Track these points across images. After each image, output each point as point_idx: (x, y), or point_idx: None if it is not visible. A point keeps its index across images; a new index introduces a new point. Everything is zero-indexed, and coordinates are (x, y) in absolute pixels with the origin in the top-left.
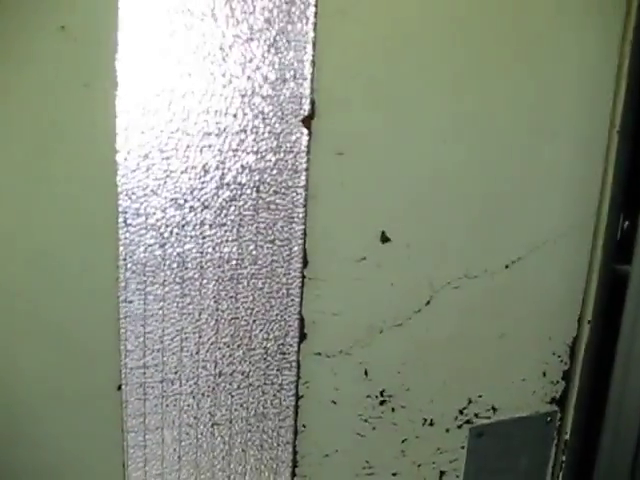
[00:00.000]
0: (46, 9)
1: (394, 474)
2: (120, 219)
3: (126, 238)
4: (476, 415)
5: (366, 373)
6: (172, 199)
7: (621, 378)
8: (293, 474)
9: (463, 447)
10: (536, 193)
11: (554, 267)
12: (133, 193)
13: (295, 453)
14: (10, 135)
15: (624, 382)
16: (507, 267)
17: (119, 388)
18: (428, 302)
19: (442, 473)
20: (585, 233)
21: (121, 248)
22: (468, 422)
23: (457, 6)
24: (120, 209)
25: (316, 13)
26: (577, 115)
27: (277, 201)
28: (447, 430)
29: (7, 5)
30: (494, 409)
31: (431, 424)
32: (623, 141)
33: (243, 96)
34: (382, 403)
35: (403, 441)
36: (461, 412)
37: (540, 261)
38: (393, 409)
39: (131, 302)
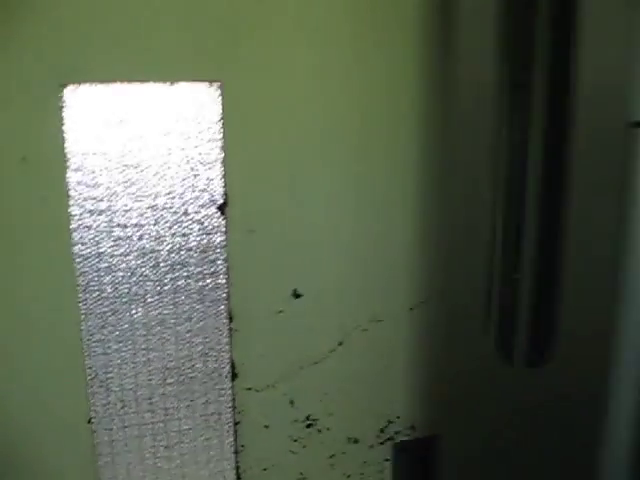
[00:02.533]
0: (9, 143)
1: None
2: (80, 295)
3: (86, 308)
4: (397, 433)
5: (292, 402)
6: (119, 276)
7: None
8: None
9: (388, 460)
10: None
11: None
12: (88, 274)
13: (238, 468)
14: None
15: None
16: (411, 309)
17: (89, 421)
18: (341, 343)
19: None
20: None
21: (82, 315)
22: (390, 439)
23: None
24: (79, 288)
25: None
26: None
27: (204, 272)
28: (371, 446)
29: None
30: (413, 428)
31: (355, 442)
32: None
33: (171, 197)
34: (309, 426)
35: (331, 456)
36: (382, 431)
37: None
38: (319, 430)
39: (95, 355)
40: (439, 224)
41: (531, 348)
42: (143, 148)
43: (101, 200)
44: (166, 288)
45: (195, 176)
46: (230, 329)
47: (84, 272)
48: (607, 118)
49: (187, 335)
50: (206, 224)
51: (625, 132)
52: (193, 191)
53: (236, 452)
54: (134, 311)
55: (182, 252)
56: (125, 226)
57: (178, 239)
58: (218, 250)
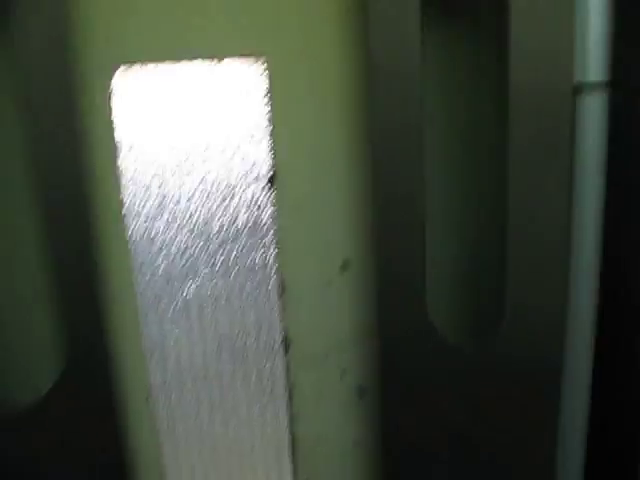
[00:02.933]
0: None
1: None
2: (135, 274)
3: (140, 286)
4: None
5: (344, 372)
6: (171, 255)
7: None
8: (292, 453)
9: None
10: None
11: None
12: (143, 252)
13: (292, 437)
14: None
15: None
16: None
17: (148, 397)
18: None
19: None
20: None
21: (138, 295)
22: None
23: None
24: (135, 266)
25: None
26: None
27: (254, 247)
28: None
29: None
30: None
31: None
32: None
33: (220, 174)
34: (360, 396)
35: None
36: None
37: None
38: (369, 400)
39: (151, 333)
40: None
41: (476, 322)
42: (191, 126)
43: (151, 180)
44: (217, 265)
45: (243, 152)
46: (281, 302)
47: (137, 253)
48: (547, 86)
49: (240, 310)
50: (255, 199)
51: (568, 99)
52: (241, 167)
53: (290, 422)
54: (187, 289)
55: (232, 228)
56: (176, 204)
57: (228, 216)
58: (267, 225)
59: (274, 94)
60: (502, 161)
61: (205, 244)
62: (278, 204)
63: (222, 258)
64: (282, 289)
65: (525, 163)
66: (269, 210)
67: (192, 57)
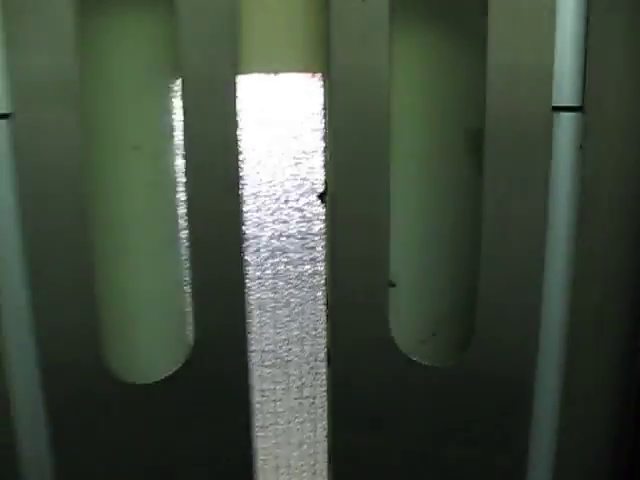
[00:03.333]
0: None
1: None
2: (185, 278)
3: (191, 290)
4: None
5: None
6: None
7: None
8: (329, 468)
9: None
10: None
11: None
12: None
13: (329, 452)
14: None
15: None
16: None
17: None
18: (434, 334)
19: None
20: None
21: (188, 297)
22: None
23: None
24: (185, 271)
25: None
26: None
27: (303, 258)
28: None
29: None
30: None
31: None
32: None
33: (273, 184)
34: None
35: None
36: None
37: None
38: None
39: None
40: None
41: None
42: (247, 136)
43: None
44: (266, 273)
45: (296, 165)
46: (327, 315)
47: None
48: (524, 105)
49: (285, 320)
50: (306, 212)
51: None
52: (294, 179)
53: (328, 437)
54: None
55: (282, 239)
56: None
57: (279, 226)
58: (317, 238)
59: (329, 109)
60: (475, 179)
61: (255, 252)
62: (328, 218)
63: (271, 267)
64: (327, 303)
65: (499, 185)
66: (319, 224)
67: (249, 70)
